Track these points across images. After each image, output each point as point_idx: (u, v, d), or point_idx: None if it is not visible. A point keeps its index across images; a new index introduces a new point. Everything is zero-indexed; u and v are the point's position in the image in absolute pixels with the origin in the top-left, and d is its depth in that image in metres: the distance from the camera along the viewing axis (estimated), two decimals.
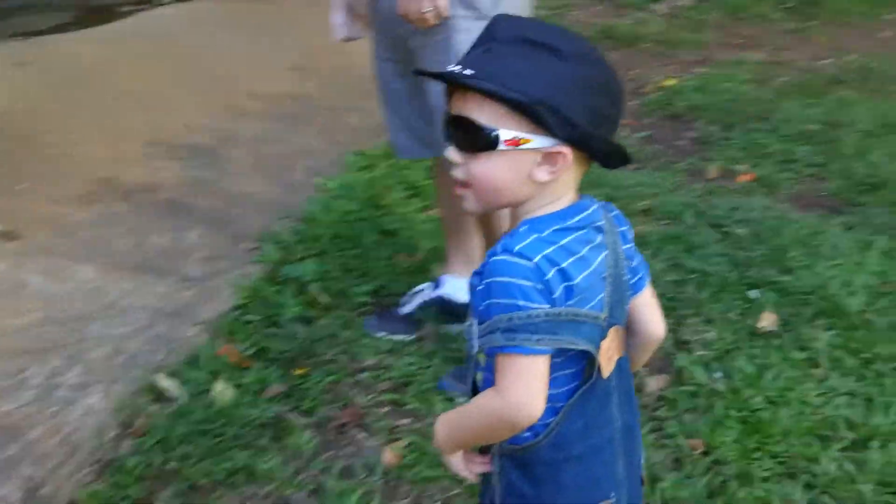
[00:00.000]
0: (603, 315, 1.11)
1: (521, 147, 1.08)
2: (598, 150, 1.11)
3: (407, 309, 2.53)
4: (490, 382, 1.17)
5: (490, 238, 2.34)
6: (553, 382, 1.10)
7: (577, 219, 1.11)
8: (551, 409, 1.12)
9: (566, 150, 1.08)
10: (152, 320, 2.25)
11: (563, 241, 1.09)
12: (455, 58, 2.02)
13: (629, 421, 1.21)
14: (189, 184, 3.01)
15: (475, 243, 2.52)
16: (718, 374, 2.28)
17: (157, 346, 2.16)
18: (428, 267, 2.80)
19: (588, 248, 1.11)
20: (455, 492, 1.93)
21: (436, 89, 2.09)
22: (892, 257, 2.82)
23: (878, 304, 2.53)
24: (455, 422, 1.19)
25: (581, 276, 1.08)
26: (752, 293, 2.63)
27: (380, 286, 2.68)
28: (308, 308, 2.51)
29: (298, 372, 2.27)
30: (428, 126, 2.31)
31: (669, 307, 2.56)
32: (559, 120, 1.05)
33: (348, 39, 2.40)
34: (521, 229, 1.11)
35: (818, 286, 2.61)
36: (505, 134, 1.08)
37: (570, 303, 1.07)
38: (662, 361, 2.36)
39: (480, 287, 1.11)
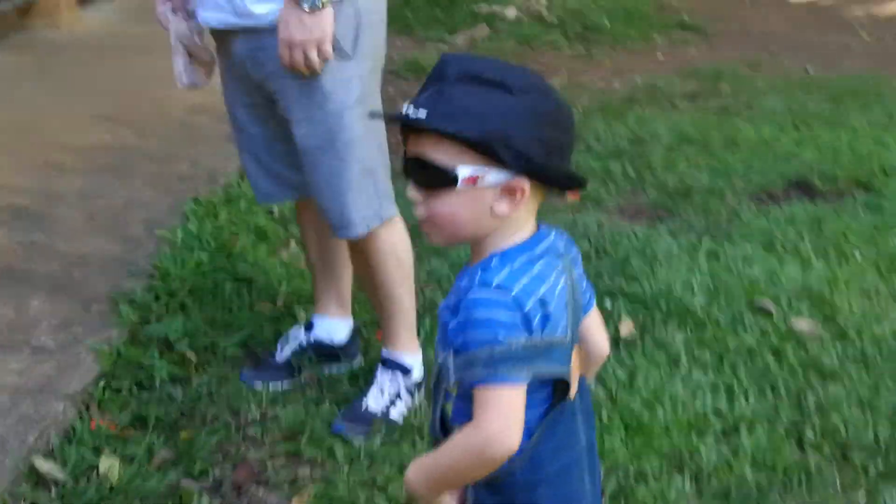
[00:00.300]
0: (568, 337, 1.17)
1: (480, 184, 1.12)
2: (554, 178, 1.16)
3: (282, 356, 2.48)
4: (462, 411, 1.20)
5: (363, 274, 2.34)
6: (527, 408, 1.14)
7: (541, 247, 1.17)
8: (526, 433, 1.15)
9: (524, 182, 1.13)
10: (14, 400, 2.06)
11: (535, 270, 1.14)
12: (323, 98, 2.05)
13: (591, 438, 1.28)
14: (20, 249, 2.79)
15: (346, 282, 2.52)
16: (592, 384, 2.40)
17: (25, 426, 1.98)
18: (292, 311, 2.76)
19: (554, 272, 1.16)
20: None
21: (303, 132, 2.09)
22: (718, 257, 3.10)
23: (718, 302, 2.77)
24: (432, 466, 1.20)
25: (553, 303, 1.13)
26: (607, 303, 2.80)
27: (248, 336, 2.60)
28: (179, 368, 2.40)
29: (184, 435, 2.16)
30: (289, 169, 2.29)
31: None
32: (514, 153, 1.10)
33: (192, 86, 2.33)
34: (492, 263, 1.14)
35: (663, 291, 2.82)
36: (463, 171, 1.12)
37: (544, 329, 1.12)
38: None
39: (455, 322, 1.13)
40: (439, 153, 1.12)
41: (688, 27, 8.09)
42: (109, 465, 1.93)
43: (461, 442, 1.15)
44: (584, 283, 1.28)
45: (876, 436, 2.15)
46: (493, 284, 1.11)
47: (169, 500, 1.95)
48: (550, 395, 1.19)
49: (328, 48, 1.96)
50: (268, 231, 3.27)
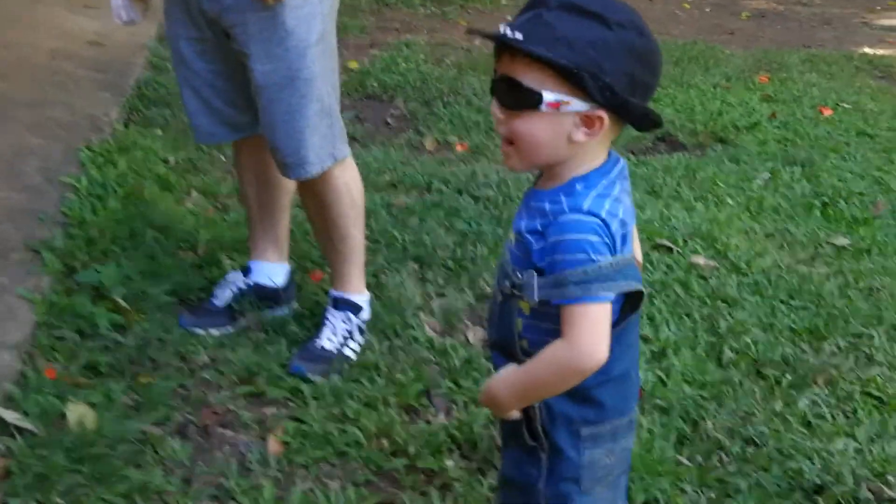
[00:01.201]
0: (633, 253, 1.27)
1: (562, 109, 1.19)
2: (633, 115, 1.22)
3: (221, 301, 2.44)
4: (534, 327, 1.27)
5: (315, 216, 2.34)
6: None
7: (615, 171, 1.26)
8: None
9: (603, 115, 1.19)
10: None
11: (615, 193, 1.22)
12: (285, 34, 2.03)
13: (638, 343, 1.40)
14: None
15: (284, 227, 2.51)
16: None
17: None
18: (216, 259, 2.70)
19: (626, 194, 1.26)
20: (353, 466, 1.96)
21: (262, 68, 2.06)
22: None
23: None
24: (522, 380, 1.26)
25: (629, 222, 1.23)
26: None
27: (178, 283, 2.53)
28: (117, 315, 2.30)
29: (143, 381, 2.10)
30: (232, 107, 2.25)
31: (463, 266, 2.79)
32: (600, 86, 1.16)
33: (129, 23, 2.23)
34: (577, 188, 1.22)
35: None
36: (548, 96, 1.18)
37: (625, 248, 1.22)
38: (480, 317, 2.57)
39: (544, 244, 1.20)
40: (528, 76, 1.18)
41: None
42: (81, 412, 1.85)
43: (554, 357, 1.21)
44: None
45: (782, 353, 2.43)
46: (585, 208, 1.19)
47: (144, 444, 1.90)
48: (619, 306, 1.28)
49: None
50: (170, 180, 3.16)
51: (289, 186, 2.41)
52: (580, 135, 1.21)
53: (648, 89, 1.23)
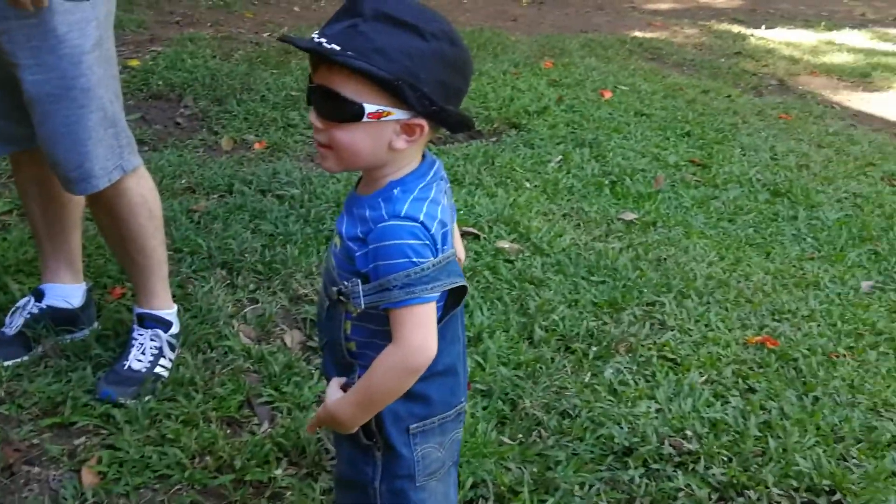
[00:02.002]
0: (454, 250, 1.30)
1: (384, 119, 1.20)
2: (449, 120, 1.25)
3: (12, 328, 2.25)
4: (361, 330, 1.28)
5: (109, 231, 2.21)
6: None
7: (431, 173, 1.28)
8: None
9: (423, 122, 1.22)
10: None
11: (431, 195, 1.24)
12: (56, 41, 1.91)
13: (463, 337, 1.43)
14: None
15: (76, 244, 2.36)
16: None
17: None
18: (2, 282, 2.49)
19: (443, 195, 1.28)
20: (177, 488, 1.88)
21: (33, 78, 1.91)
22: None
23: None
24: (362, 396, 1.27)
25: (448, 222, 1.26)
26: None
27: None
28: None
29: None
30: (6, 120, 2.08)
31: (274, 268, 2.74)
32: (418, 96, 1.18)
33: None
34: (394, 193, 1.23)
35: None
36: (369, 108, 1.19)
37: (445, 247, 1.24)
38: (296, 320, 2.54)
39: (366, 250, 1.21)
40: (348, 87, 1.18)
41: None
42: None
43: (388, 363, 1.23)
44: (451, 203, 1.41)
45: (587, 327, 2.58)
46: (402, 214, 1.21)
47: None
48: (443, 302, 1.31)
49: None
50: None
51: (78, 200, 2.26)
52: (401, 142, 1.23)
53: (461, 95, 1.27)
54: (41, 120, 1.96)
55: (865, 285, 3.05)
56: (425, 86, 1.18)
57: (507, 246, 3.02)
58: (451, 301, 1.31)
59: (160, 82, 4.55)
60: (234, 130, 4.03)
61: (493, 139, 4.23)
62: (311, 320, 2.51)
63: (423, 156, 1.30)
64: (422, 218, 1.21)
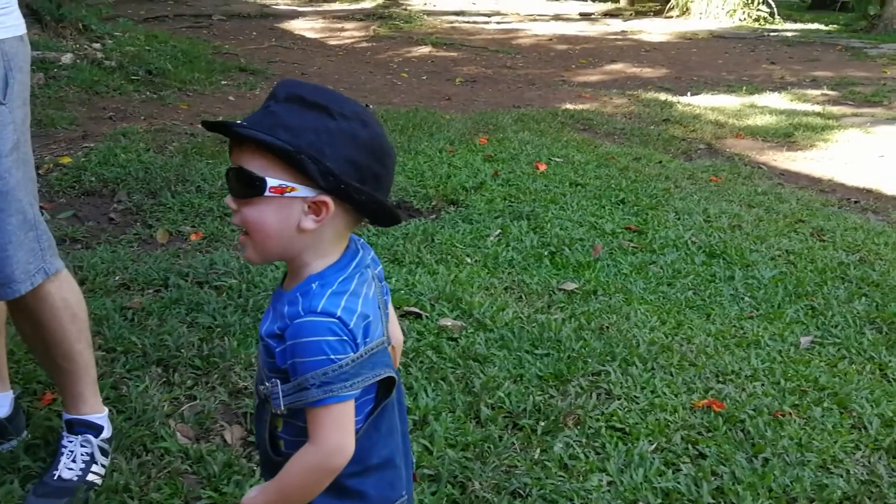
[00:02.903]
0: (385, 338, 1.27)
1: (287, 195, 1.18)
2: (361, 203, 1.22)
3: None
4: (290, 428, 1.24)
5: (31, 336, 2.13)
6: (355, 412, 1.23)
7: (353, 264, 1.25)
8: None
9: (328, 199, 1.20)
10: None
11: (352, 287, 1.22)
12: None
13: (405, 425, 1.39)
14: None
15: (1, 350, 2.26)
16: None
17: None
18: None
19: (365, 285, 1.25)
20: None
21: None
22: None
23: None
24: (276, 492, 1.23)
25: (371, 313, 1.23)
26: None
27: None
28: None
29: None
30: None
31: (212, 362, 2.67)
32: (321, 170, 1.17)
33: None
34: (312, 288, 1.20)
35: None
36: (272, 181, 1.18)
37: (367, 340, 1.22)
38: (236, 415, 2.46)
39: (283, 348, 1.18)
40: (253, 162, 1.18)
41: (248, 70, 8.38)
42: None
43: (303, 462, 1.20)
44: (384, 285, 1.39)
45: (534, 402, 2.55)
46: (319, 309, 1.18)
47: None
48: (374, 394, 1.28)
49: None
50: None
51: (1, 306, 2.18)
52: (309, 222, 1.21)
53: (380, 180, 1.24)
54: None
55: (804, 341, 3.09)
56: (330, 161, 1.18)
57: (449, 323, 3.00)
58: (383, 392, 1.28)
59: (93, 178, 4.48)
60: (168, 223, 3.98)
61: (432, 216, 4.24)
62: (251, 414, 2.43)
63: (348, 246, 1.28)
64: (339, 313, 1.18)
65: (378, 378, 1.23)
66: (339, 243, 1.26)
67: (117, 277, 3.32)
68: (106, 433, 2.19)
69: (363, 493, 1.28)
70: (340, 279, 1.22)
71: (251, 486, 2.11)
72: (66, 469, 2.08)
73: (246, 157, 1.19)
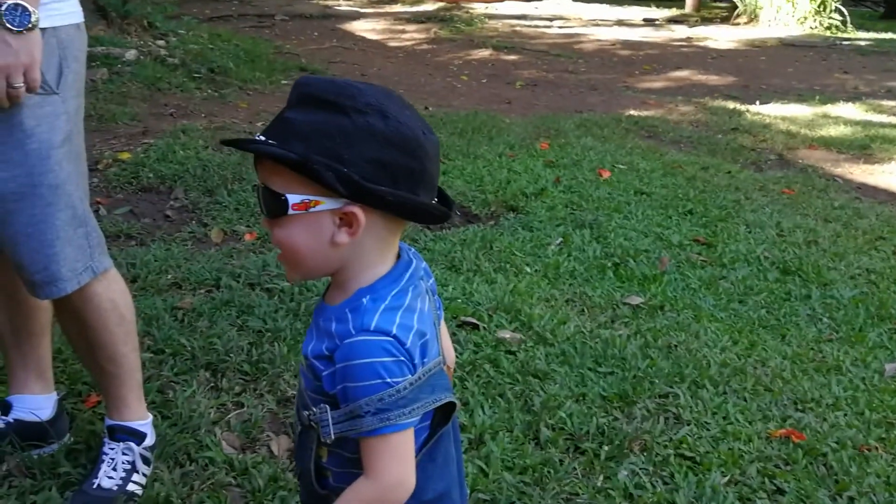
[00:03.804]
0: (441, 358, 1.14)
1: (312, 210, 1.06)
2: (397, 207, 1.09)
3: None
4: (338, 459, 1.12)
5: (77, 337, 2.05)
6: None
7: (406, 276, 1.13)
8: None
9: (357, 210, 1.07)
10: None
11: (407, 302, 1.09)
12: (24, 136, 1.79)
13: (460, 454, 1.26)
14: None
15: (46, 351, 2.20)
16: None
17: None
18: None
19: (420, 299, 1.13)
20: None
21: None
22: None
23: None
24: None
25: (427, 331, 1.10)
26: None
27: None
28: None
29: None
30: None
31: (261, 368, 2.57)
32: (340, 177, 1.04)
33: None
34: (364, 303, 1.08)
35: None
36: (293, 198, 1.06)
37: (425, 360, 1.09)
38: (284, 424, 2.36)
39: (333, 371, 1.06)
40: (274, 179, 1.07)
41: (309, 70, 8.35)
42: None
43: (360, 498, 1.08)
44: (436, 299, 1.27)
45: (597, 424, 2.39)
46: (372, 327, 1.06)
47: None
48: (429, 420, 1.15)
49: (37, 75, 1.71)
50: None
51: (46, 304, 2.11)
52: (342, 236, 1.09)
53: (414, 175, 1.09)
54: (4, 219, 1.83)
55: (890, 368, 2.88)
56: (350, 166, 1.04)
57: (508, 336, 2.86)
58: (440, 417, 1.15)
59: (150, 175, 4.45)
60: (224, 221, 3.91)
61: (491, 223, 4.11)
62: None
63: (400, 254, 1.16)
64: (395, 331, 1.06)
65: (438, 403, 1.11)
66: (386, 251, 1.13)
67: (169, 276, 3.25)
68: (149, 441, 2.10)
69: None
70: (394, 292, 1.10)
71: (296, 503, 2.01)
72: (106, 478, 2.00)
73: (267, 174, 1.08)
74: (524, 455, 2.24)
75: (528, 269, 3.49)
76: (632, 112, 7.10)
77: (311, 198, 1.06)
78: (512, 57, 10.51)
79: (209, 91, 6.93)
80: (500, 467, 2.19)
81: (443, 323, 1.29)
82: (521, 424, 2.38)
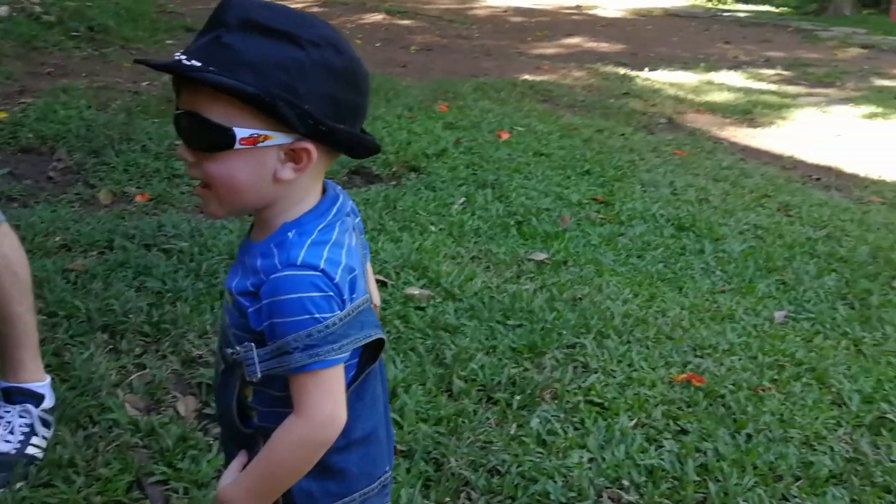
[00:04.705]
0: (368, 296, 1.12)
1: (261, 145, 1.01)
2: (344, 143, 1.07)
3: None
4: (264, 398, 1.08)
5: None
6: None
7: (334, 211, 1.09)
8: None
9: (310, 146, 1.03)
10: None
11: (334, 237, 1.06)
12: None
13: (385, 396, 1.23)
14: None
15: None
16: None
17: None
18: None
19: (347, 235, 1.10)
20: None
21: None
22: None
23: None
24: (260, 477, 1.06)
25: (356, 266, 1.07)
26: None
27: None
28: None
29: None
30: None
31: (163, 329, 2.48)
32: (299, 113, 1.00)
33: None
34: (289, 238, 1.04)
35: None
36: (241, 132, 1.00)
37: (353, 296, 1.06)
38: (190, 385, 2.29)
39: (258, 307, 1.02)
40: (215, 109, 0.99)
41: (195, 30, 8.01)
42: None
43: (290, 437, 1.04)
44: (363, 239, 1.23)
45: (508, 374, 2.42)
46: (299, 262, 1.01)
47: None
48: (356, 359, 1.13)
49: None
50: None
51: None
52: (287, 172, 1.04)
53: (358, 112, 1.08)
54: None
55: (778, 315, 3.02)
56: (307, 102, 1.00)
57: (416, 292, 2.85)
58: (368, 356, 1.13)
59: (30, 135, 4.20)
60: (113, 183, 3.74)
61: (393, 183, 4.07)
62: (207, 384, 2.26)
63: (324, 189, 1.12)
64: (322, 265, 1.02)
65: (368, 339, 1.08)
66: (315, 185, 1.10)
67: (58, 238, 3.09)
68: (48, 403, 2.00)
69: (346, 471, 1.13)
70: (320, 227, 1.06)
71: (209, 462, 1.95)
72: (3, 441, 1.89)
73: (204, 103, 0.99)
74: (438, 406, 2.25)
75: (433, 228, 3.48)
76: (526, 77, 7.16)
77: (261, 132, 1.01)
78: (405, 22, 10.43)
79: (90, 50, 6.61)
80: (415, 419, 2.19)
81: (368, 264, 1.26)
82: (434, 377, 2.38)
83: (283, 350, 1.02)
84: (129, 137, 4.26)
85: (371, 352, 1.13)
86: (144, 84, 5.64)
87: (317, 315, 1.01)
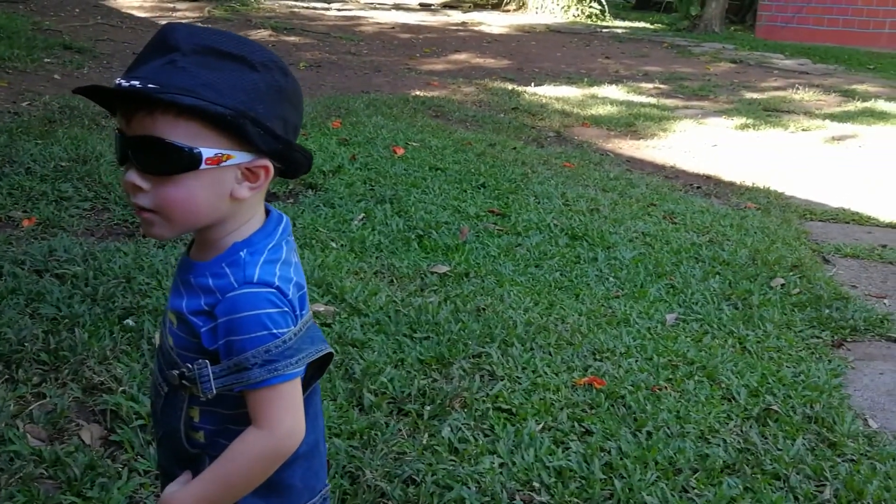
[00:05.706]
0: (310, 313, 1.14)
1: (224, 164, 1.03)
2: (292, 159, 1.10)
3: None
4: (211, 417, 1.09)
5: None
6: None
7: (280, 230, 1.12)
8: None
9: (268, 164, 1.07)
10: None
11: (283, 256, 1.09)
12: None
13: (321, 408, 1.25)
14: None
15: None
16: None
17: None
18: None
19: (293, 253, 1.13)
20: None
21: None
22: None
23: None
24: (214, 487, 1.07)
25: (303, 283, 1.10)
26: (129, 322, 2.64)
27: None
28: None
29: None
30: None
31: (61, 356, 2.41)
32: (262, 132, 1.03)
33: None
34: (242, 256, 1.06)
35: None
36: (207, 152, 1.02)
37: (303, 312, 1.09)
38: (94, 412, 2.23)
39: (213, 325, 1.03)
40: (177, 132, 1.01)
41: (74, 48, 7.81)
42: None
43: (251, 450, 1.06)
44: None
45: (418, 386, 2.46)
46: (255, 279, 1.04)
47: None
48: (303, 375, 1.15)
49: None
50: None
51: None
52: (243, 190, 1.07)
53: (297, 130, 1.14)
54: None
55: (670, 318, 3.18)
56: (267, 120, 1.04)
57: (322, 309, 2.86)
58: (313, 370, 1.16)
59: None
60: None
61: (290, 201, 4.07)
62: (112, 411, 2.21)
63: (268, 211, 1.15)
64: (276, 282, 1.05)
65: (320, 353, 1.12)
66: (260, 205, 1.13)
67: None
68: None
69: (290, 487, 1.15)
70: (270, 245, 1.09)
71: (119, 489, 1.92)
72: None
73: (163, 126, 1.01)
74: (350, 420, 2.27)
75: (334, 245, 3.49)
76: (417, 92, 7.25)
77: (224, 151, 1.03)
78: (292, 38, 10.37)
79: None
80: (328, 434, 2.20)
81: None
82: (345, 392, 2.40)
83: (241, 366, 1.04)
84: (11, 160, 4.10)
85: (316, 367, 1.16)
86: (25, 104, 5.43)
87: (274, 331, 1.04)
